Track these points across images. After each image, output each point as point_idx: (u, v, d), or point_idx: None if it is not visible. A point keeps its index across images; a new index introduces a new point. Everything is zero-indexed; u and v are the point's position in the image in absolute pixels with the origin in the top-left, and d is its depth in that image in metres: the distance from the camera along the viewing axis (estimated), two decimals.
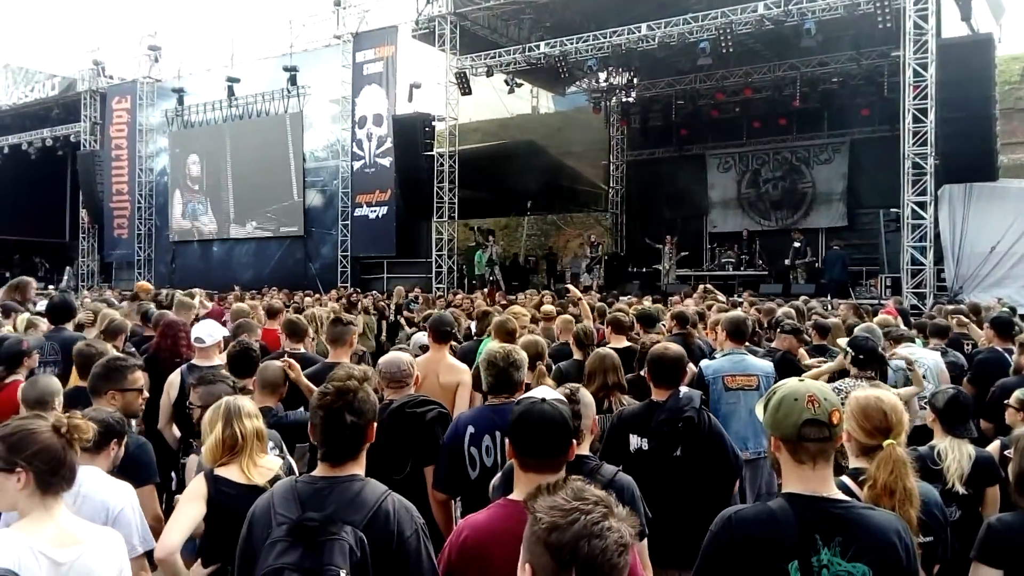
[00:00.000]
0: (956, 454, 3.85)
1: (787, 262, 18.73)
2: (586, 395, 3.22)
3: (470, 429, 3.60)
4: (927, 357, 6.21)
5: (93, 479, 2.94)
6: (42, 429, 2.32)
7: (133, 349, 6.16)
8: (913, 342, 6.67)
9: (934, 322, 7.63)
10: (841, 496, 2.32)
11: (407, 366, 4.15)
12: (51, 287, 22.80)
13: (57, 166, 29.74)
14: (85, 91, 27.28)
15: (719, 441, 4.02)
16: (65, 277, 28.19)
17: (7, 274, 27.62)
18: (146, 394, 4.10)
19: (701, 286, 13.64)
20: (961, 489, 3.77)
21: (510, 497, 2.48)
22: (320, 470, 2.52)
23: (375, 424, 2.57)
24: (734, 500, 4.08)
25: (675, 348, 4.21)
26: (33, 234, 30.72)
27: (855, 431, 2.88)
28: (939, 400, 4.10)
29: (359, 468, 2.52)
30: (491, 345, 4.04)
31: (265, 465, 3.22)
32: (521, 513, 2.38)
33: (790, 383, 2.39)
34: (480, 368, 3.94)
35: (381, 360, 4.26)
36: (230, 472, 3.15)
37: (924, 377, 5.65)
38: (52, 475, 2.30)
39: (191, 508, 3.07)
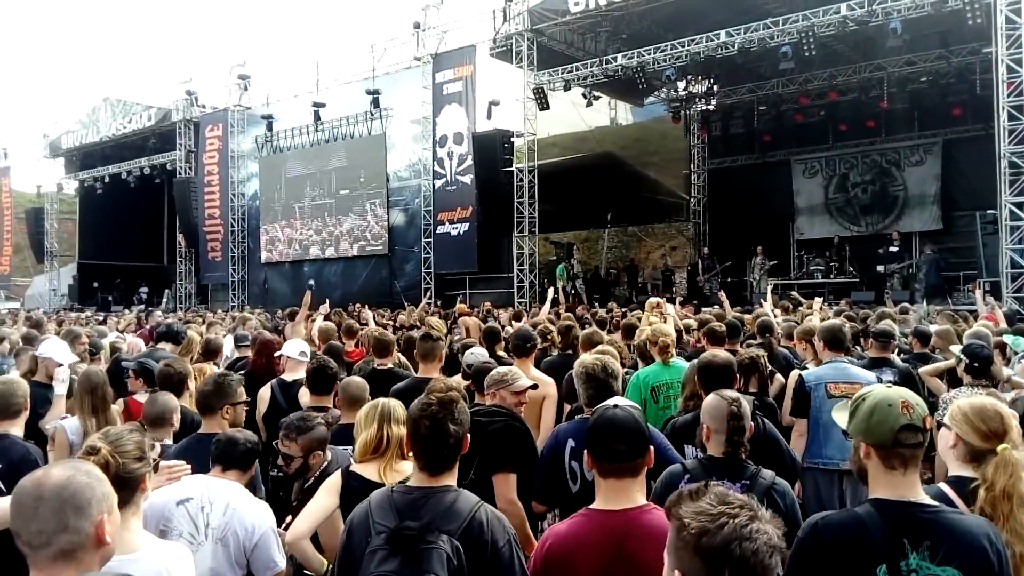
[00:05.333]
0: None
1: (881, 268, 18.16)
2: (744, 403, 3.25)
3: (570, 443, 3.62)
4: None
5: (240, 496, 3.21)
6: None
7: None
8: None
9: None
10: (929, 501, 2.30)
11: (491, 376, 4.22)
12: (151, 308, 23.82)
13: (155, 193, 31.30)
14: (179, 120, 28.50)
15: (776, 445, 3.98)
16: (164, 299, 29.46)
17: (109, 297, 29.18)
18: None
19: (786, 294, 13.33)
20: None
21: (592, 507, 2.51)
22: (416, 479, 2.59)
23: (469, 436, 2.64)
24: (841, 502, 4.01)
25: (723, 355, 4.23)
26: (134, 259, 32.31)
27: (967, 435, 2.80)
28: (1020, 408, 3.94)
29: (453, 479, 2.59)
30: (584, 357, 4.05)
31: (400, 470, 3.36)
32: (606, 521, 2.42)
33: (878, 389, 2.38)
34: (576, 381, 3.96)
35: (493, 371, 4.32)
36: (367, 470, 3.33)
37: None
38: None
39: (323, 500, 3.27)
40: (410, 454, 2.69)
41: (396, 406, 3.47)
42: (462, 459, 3.72)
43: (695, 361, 4.83)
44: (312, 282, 13.35)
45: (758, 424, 3.94)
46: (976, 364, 4.82)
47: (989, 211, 15.48)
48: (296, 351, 5.75)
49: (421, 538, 2.35)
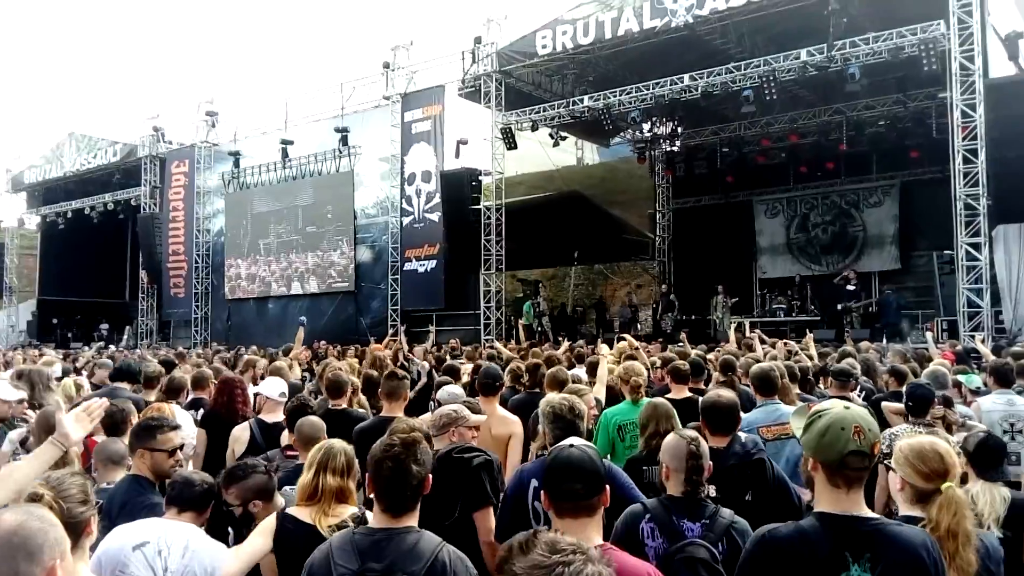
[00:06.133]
0: (989, 497, 3.78)
1: (840, 306, 18.46)
2: (703, 442, 3.26)
3: (533, 483, 3.61)
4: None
5: (198, 538, 3.13)
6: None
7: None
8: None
9: (1003, 366, 6.80)
10: (871, 514, 2.36)
11: (441, 416, 4.21)
12: (112, 346, 23.45)
13: (118, 229, 30.99)
14: (145, 156, 28.34)
15: (784, 485, 4.00)
16: (125, 336, 29.00)
17: (69, 334, 28.67)
18: (179, 455, 4.16)
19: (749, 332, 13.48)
20: (997, 532, 3.70)
21: None
22: (378, 521, 2.58)
23: (431, 476, 2.63)
24: None
25: (728, 395, 4.22)
26: (95, 295, 31.82)
27: (911, 477, 2.86)
28: (970, 444, 4.03)
29: (415, 519, 2.58)
30: (551, 397, 4.05)
31: (337, 514, 3.30)
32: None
33: (837, 409, 2.42)
34: (543, 420, 3.95)
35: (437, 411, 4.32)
36: (302, 513, 3.27)
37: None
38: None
39: (256, 541, 3.20)
40: (371, 495, 2.68)
41: (337, 453, 3.38)
42: (447, 498, 3.69)
43: (658, 400, 4.88)
44: (304, 319, 13.21)
45: (769, 463, 3.96)
46: (911, 403, 4.89)
47: (946, 252, 15.84)
48: (276, 391, 5.68)
49: None
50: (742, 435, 4.03)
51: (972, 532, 2.66)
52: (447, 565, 2.44)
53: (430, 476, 2.62)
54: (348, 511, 3.29)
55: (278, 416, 5.39)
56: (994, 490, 3.81)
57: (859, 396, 6.63)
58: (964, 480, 4.11)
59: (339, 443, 3.45)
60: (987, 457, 3.94)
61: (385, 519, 2.55)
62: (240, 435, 5.46)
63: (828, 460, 2.34)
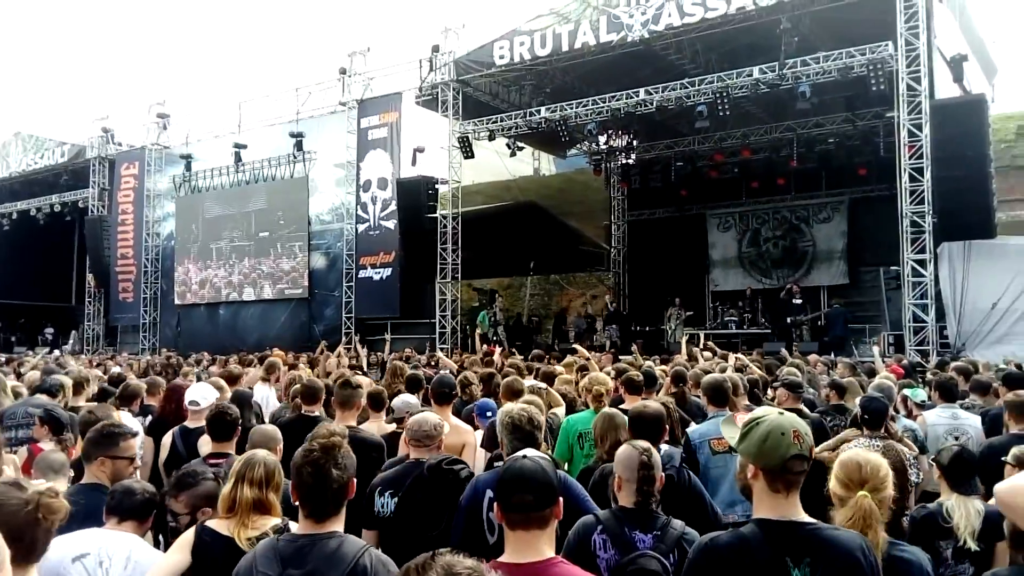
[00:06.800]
0: (964, 510, 3.85)
1: (789, 319, 18.77)
2: (655, 453, 3.29)
3: (489, 493, 3.56)
4: (968, 422, 6.19)
5: (140, 549, 3.10)
6: (11, 499, 2.25)
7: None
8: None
9: (948, 380, 7.05)
10: (808, 519, 2.41)
11: (433, 427, 4.18)
12: (57, 351, 22.85)
13: (64, 232, 30.19)
14: (94, 158, 27.73)
15: (699, 498, 4.05)
16: (71, 341, 28.30)
17: (12, 338, 27.88)
18: (138, 462, 4.09)
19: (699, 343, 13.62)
20: (973, 545, 3.78)
21: (500, 559, 2.48)
22: (303, 527, 2.59)
23: (355, 481, 2.63)
24: None
25: (654, 406, 4.28)
26: (40, 299, 30.95)
27: (834, 487, 2.95)
28: (944, 457, 4.11)
29: (340, 524, 2.59)
30: (509, 407, 4.04)
31: (257, 526, 3.19)
32: (512, 574, 2.42)
33: (773, 416, 2.48)
34: (500, 430, 3.93)
35: (410, 420, 4.29)
36: (221, 525, 3.16)
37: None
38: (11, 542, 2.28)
39: (174, 556, 3.11)
40: (296, 502, 2.67)
41: (256, 464, 3.26)
42: (437, 509, 3.70)
43: (607, 411, 4.88)
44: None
45: (682, 477, 4.00)
46: (866, 416, 4.99)
47: (892, 267, 16.17)
48: (198, 395, 5.59)
49: None
50: (664, 447, 4.05)
51: (882, 541, 2.72)
52: (367, 568, 2.47)
53: (353, 481, 2.63)
54: (270, 523, 3.18)
55: (201, 422, 5.29)
56: (968, 503, 3.88)
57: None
58: (935, 495, 4.21)
59: (261, 453, 3.34)
60: (961, 471, 4.02)
61: (308, 525, 2.57)
62: (165, 441, 5.47)
63: (770, 465, 2.38)
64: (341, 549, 2.50)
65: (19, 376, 9.80)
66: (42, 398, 6.40)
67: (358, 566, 2.46)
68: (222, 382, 7.01)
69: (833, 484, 2.95)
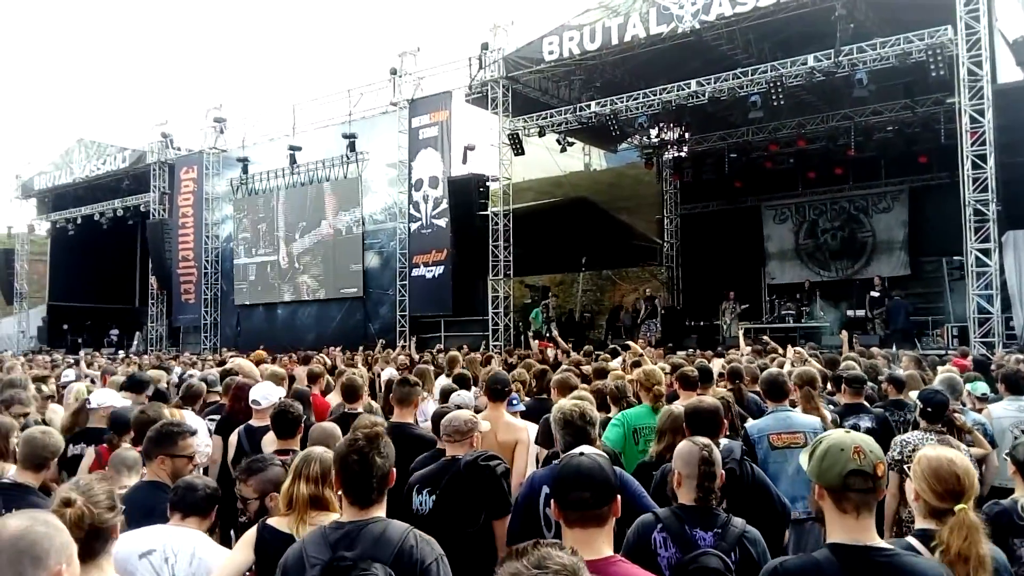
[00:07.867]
0: None
1: (862, 312, 18.36)
2: (715, 450, 3.27)
3: (545, 489, 3.57)
4: None
5: (205, 544, 3.18)
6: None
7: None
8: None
9: (1015, 372, 6.72)
10: (885, 544, 2.34)
11: (463, 422, 4.21)
12: (122, 352, 23.51)
13: (127, 235, 31.04)
14: (154, 162, 28.40)
15: (764, 490, 3.98)
16: (135, 342, 29.10)
17: (79, 340, 28.77)
18: (198, 460, 4.18)
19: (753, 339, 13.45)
20: None
21: None
22: (348, 514, 2.69)
23: (394, 471, 2.74)
24: (786, 550, 4.00)
25: (710, 401, 4.24)
26: (104, 301, 31.92)
27: (925, 493, 2.81)
28: (1020, 452, 3.98)
29: (382, 510, 2.70)
30: (563, 403, 4.04)
31: (316, 521, 3.20)
32: None
33: (836, 433, 2.44)
34: (553, 426, 3.94)
35: (444, 417, 4.34)
36: (282, 523, 3.21)
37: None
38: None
39: (238, 555, 3.18)
40: (339, 492, 2.76)
41: (313, 460, 3.29)
42: (473, 505, 3.74)
43: (670, 408, 4.84)
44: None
45: (745, 471, 3.95)
46: (929, 409, 4.87)
47: (955, 257, 15.76)
48: (260, 395, 5.69)
49: (355, 567, 2.44)
50: (723, 442, 3.99)
51: (987, 556, 2.57)
52: (413, 548, 2.58)
53: (394, 470, 2.74)
54: (329, 519, 3.21)
55: (266, 420, 5.38)
56: None
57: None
58: (1010, 492, 4.07)
59: (318, 450, 3.39)
60: None
61: (353, 511, 2.67)
62: (232, 440, 5.58)
63: (830, 483, 2.33)
64: (387, 532, 2.61)
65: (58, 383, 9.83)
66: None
67: (405, 545, 2.57)
68: (283, 374, 7.18)
69: (925, 492, 2.80)
